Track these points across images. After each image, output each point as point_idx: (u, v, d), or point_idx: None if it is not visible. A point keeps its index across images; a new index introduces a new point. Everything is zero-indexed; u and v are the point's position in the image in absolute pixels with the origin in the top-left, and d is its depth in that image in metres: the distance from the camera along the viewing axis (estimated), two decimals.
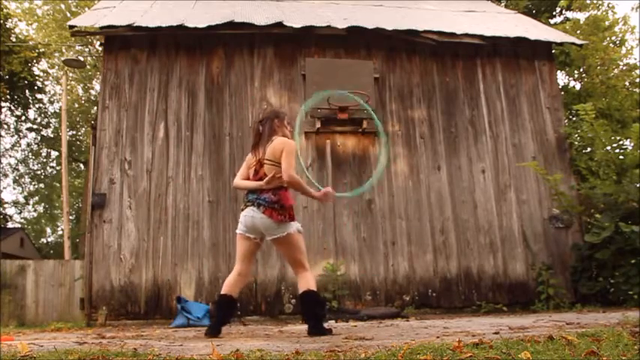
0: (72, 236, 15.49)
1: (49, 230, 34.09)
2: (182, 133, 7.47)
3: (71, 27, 7.91)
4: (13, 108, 20.77)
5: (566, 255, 7.71)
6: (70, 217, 16.61)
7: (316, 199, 4.07)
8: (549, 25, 12.63)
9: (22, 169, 27.96)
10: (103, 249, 6.95)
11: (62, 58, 18.16)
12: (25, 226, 29.92)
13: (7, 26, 16.54)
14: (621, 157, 7.71)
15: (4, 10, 16.36)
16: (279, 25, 7.68)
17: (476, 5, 10.64)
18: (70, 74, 20.50)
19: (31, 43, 18.23)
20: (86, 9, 17.32)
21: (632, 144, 7.94)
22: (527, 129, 8.20)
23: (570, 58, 10.37)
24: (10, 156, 26.46)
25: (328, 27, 7.84)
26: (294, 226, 3.83)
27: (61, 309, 10.90)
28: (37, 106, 22.82)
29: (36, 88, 19.99)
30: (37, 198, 30.10)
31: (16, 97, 19.15)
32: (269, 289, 7.05)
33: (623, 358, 1.98)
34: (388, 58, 8.15)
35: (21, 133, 25.12)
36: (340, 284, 7.00)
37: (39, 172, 28.49)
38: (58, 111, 23.05)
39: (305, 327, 3.97)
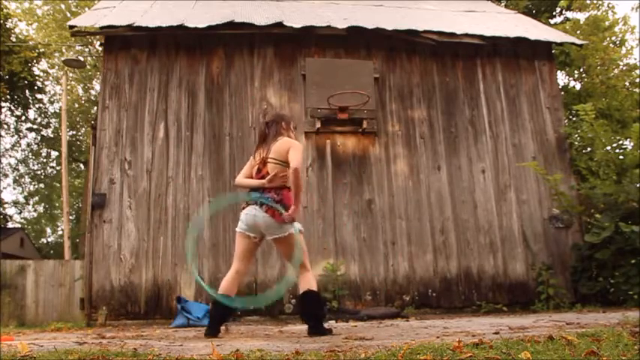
0: (72, 236, 15.49)
1: (49, 230, 34.14)
2: (182, 133, 7.47)
3: (71, 27, 7.91)
4: (13, 108, 20.77)
5: (566, 255, 7.71)
6: (70, 217, 16.61)
7: (297, 205, 3.80)
8: (549, 25, 12.63)
9: (22, 169, 27.99)
10: (103, 249, 6.95)
11: (62, 58, 18.16)
12: (25, 226, 29.94)
13: (7, 26, 16.53)
14: (621, 157, 7.71)
15: (4, 10, 16.36)
16: (279, 25, 7.68)
17: (476, 5, 10.64)
18: (70, 74, 20.50)
19: (31, 43, 18.22)
20: (86, 9, 17.32)
21: (632, 144, 7.95)
22: (527, 129, 8.20)
23: (570, 58, 10.37)
24: (10, 156, 26.49)
25: (328, 27, 7.85)
26: (296, 226, 3.84)
27: (61, 309, 10.89)
28: (37, 106, 22.80)
29: (36, 88, 19.98)
30: (37, 198, 30.11)
31: (16, 97, 19.14)
32: (269, 289, 7.05)
33: (623, 358, 1.98)
34: (388, 58, 8.15)
35: (21, 133, 25.14)
36: (340, 284, 7.00)
37: (39, 172, 28.49)
38: (58, 111, 23.05)
39: (305, 327, 3.97)
